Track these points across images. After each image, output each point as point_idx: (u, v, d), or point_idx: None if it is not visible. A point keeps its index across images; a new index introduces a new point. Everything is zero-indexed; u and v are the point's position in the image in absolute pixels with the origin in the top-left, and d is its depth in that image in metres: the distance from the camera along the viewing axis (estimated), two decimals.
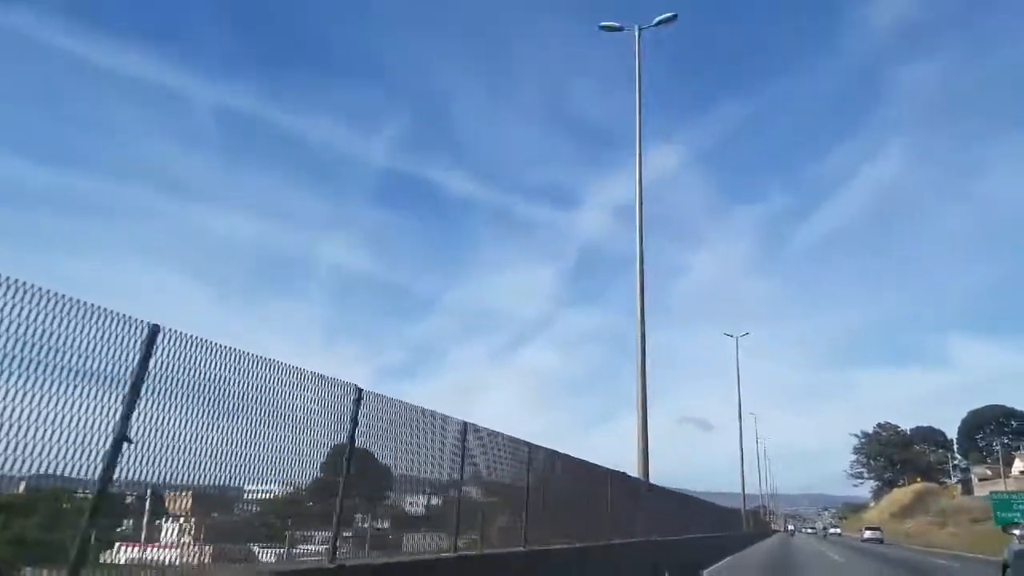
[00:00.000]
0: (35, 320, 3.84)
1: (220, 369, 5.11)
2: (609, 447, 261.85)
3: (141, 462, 4.41)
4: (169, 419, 4.61)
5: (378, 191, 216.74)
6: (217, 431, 5.01)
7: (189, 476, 4.85)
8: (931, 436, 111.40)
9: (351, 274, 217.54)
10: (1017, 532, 10.35)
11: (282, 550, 6.47)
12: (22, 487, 4.35)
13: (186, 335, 4.81)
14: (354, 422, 6.57)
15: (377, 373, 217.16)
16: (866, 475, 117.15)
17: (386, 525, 8.45)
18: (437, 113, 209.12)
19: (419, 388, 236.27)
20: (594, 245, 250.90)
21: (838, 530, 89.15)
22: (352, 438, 6.51)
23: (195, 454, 4.83)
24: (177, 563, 5.14)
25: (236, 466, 5.23)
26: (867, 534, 59.30)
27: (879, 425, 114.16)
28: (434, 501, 9.06)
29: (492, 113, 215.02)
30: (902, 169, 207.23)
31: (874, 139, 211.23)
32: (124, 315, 4.34)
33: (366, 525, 7.94)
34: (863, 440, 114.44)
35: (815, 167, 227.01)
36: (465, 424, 8.95)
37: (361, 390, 6.67)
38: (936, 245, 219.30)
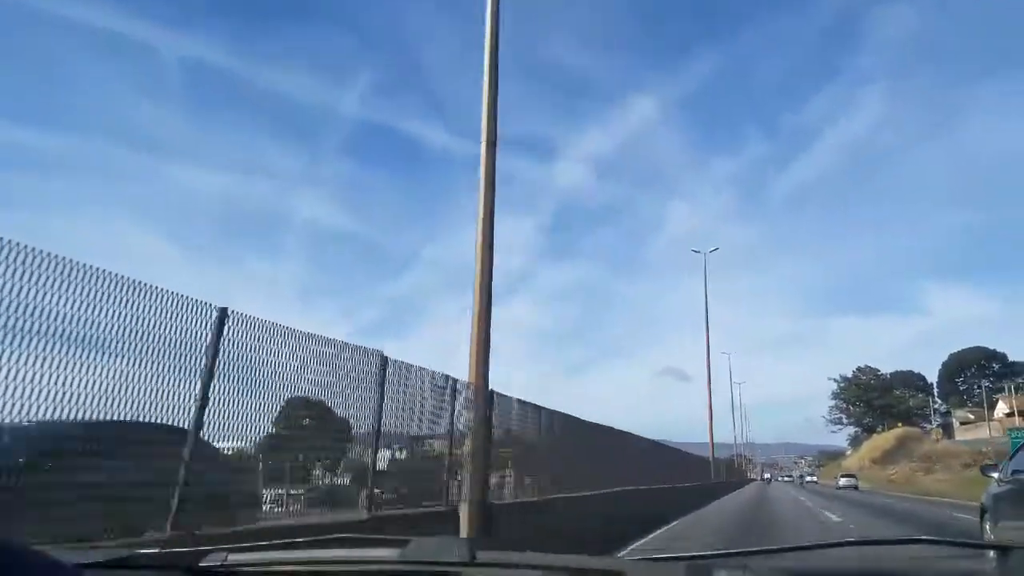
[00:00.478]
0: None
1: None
2: (594, 396, 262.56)
3: None
4: None
5: (352, 143, 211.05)
6: None
7: None
8: (911, 380, 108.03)
9: (327, 229, 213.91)
10: (995, 475, 10.05)
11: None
12: None
13: None
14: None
15: (358, 332, 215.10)
16: (845, 421, 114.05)
17: (347, 481, 8.44)
18: (411, 63, 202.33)
19: (401, 345, 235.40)
20: (572, 198, 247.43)
21: (814, 478, 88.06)
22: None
23: None
24: None
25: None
26: (842, 481, 57.78)
27: (858, 369, 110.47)
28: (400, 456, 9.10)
29: (467, 62, 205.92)
30: (880, 116, 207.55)
31: (852, 86, 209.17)
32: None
33: (326, 481, 8.19)
34: (842, 385, 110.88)
35: (792, 116, 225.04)
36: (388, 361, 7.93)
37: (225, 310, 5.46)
38: (913, 192, 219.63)
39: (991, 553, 1.64)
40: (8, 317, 3.82)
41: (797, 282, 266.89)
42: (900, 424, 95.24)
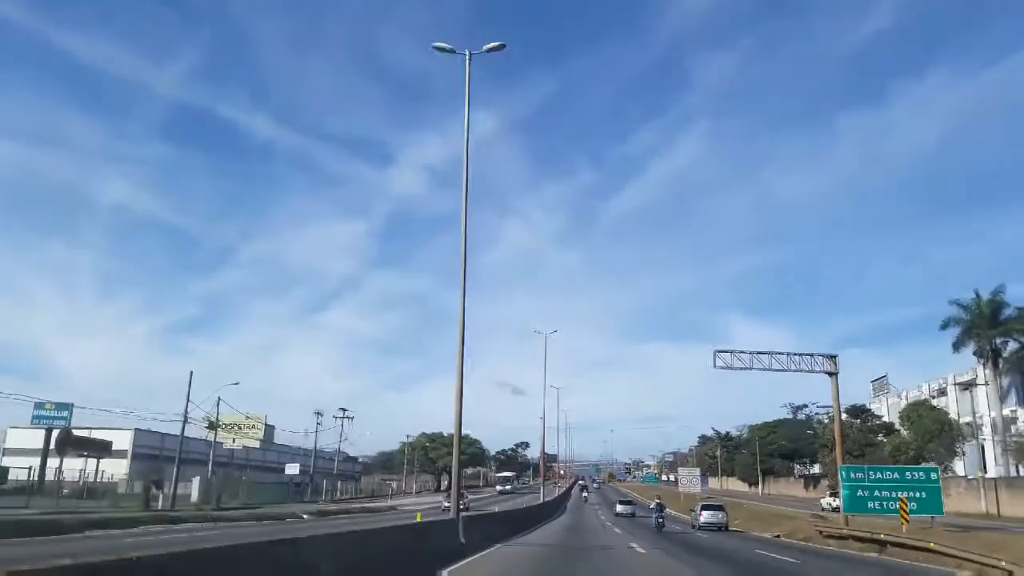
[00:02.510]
0: None
1: None
2: (420, 407, 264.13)
3: None
4: None
5: (167, 125, 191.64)
6: None
7: None
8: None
9: (133, 215, 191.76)
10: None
11: None
12: None
13: None
14: None
15: (162, 329, 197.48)
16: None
17: None
18: (236, 46, 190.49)
19: (212, 346, 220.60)
20: (405, 205, 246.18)
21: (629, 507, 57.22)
22: None
23: None
24: None
25: None
26: (704, 517, 39.14)
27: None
28: None
29: (297, 52, 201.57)
30: (699, 154, 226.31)
31: (676, 123, 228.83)
32: None
33: None
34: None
35: (619, 148, 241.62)
36: None
37: None
38: (721, 229, 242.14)
39: None
40: None
41: (619, 307, 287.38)
42: None
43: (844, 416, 77.07)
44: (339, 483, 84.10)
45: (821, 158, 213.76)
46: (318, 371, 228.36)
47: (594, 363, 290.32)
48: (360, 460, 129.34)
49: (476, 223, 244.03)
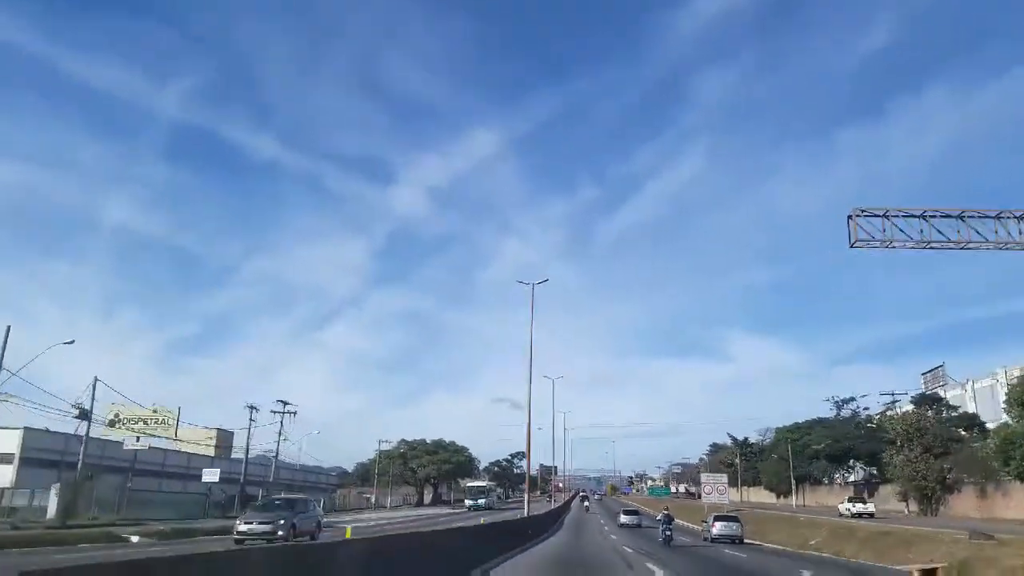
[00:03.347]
0: None
1: None
2: (420, 423, 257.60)
3: None
4: None
5: (171, 147, 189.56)
6: None
7: None
8: None
9: (136, 235, 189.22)
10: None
11: None
12: None
13: None
14: None
15: (165, 346, 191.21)
16: None
17: None
18: (240, 68, 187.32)
19: (214, 364, 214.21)
20: (407, 224, 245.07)
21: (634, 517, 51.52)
22: None
23: None
24: None
25: None
26: (718, 528, 35.20)
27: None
28: None
29: (301, 74, 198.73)
30: (699, 171, 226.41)
31: (675, 142, 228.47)
32: None
33: None
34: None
35: (620, 166, 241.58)
36: None
37: None
38: (724, 245, 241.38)
39: None
40: None
41: (621, 323, 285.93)
42: None
43: (911, 407, 63.63)
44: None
45: (822, 174, 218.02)
46: (317, 387, 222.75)
47: (595, 379, 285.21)
48: (334, 472, 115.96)
49: (477, 241, 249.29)
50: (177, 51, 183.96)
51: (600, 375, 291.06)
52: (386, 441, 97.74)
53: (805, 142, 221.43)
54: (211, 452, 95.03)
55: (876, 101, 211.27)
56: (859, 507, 47.53)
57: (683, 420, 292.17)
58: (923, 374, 78.68)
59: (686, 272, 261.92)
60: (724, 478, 60.38)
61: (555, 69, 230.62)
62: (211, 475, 51.22)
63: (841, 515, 46.50)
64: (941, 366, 74.64)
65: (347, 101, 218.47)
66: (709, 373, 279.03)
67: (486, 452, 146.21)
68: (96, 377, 39.48)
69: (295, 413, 62.35)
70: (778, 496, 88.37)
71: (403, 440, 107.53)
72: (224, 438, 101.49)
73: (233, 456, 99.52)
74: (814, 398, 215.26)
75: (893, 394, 68.68)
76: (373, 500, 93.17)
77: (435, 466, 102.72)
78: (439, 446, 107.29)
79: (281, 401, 62.07)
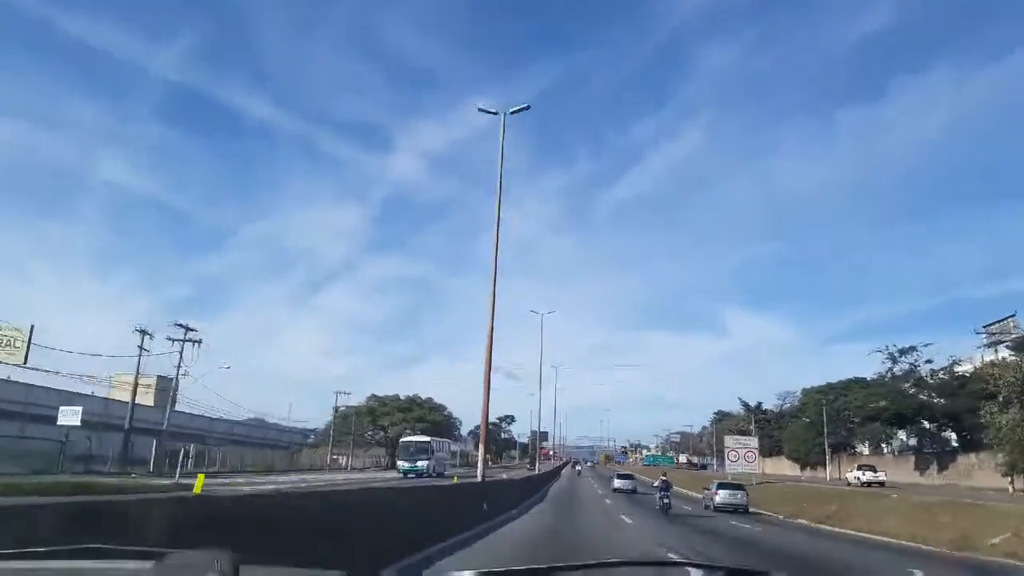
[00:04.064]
0: None
1: None
2: (413, 388, 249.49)
3: None
4: None
5: (166, 106, 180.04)
6: None
7: None
8: None
9: (130, 194, 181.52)
10: None
11: None
12: None
13: None
14: None
15: (160, 307, 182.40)
16: None
17: None
18: (235, 27, 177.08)
19: (209, 326, 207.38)
20: (404, 190, 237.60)
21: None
22: None
23: None
24: None
25: None
26: (721, 496, 33.15)
27: None
28: None
29: (297, 35, 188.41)
30: (699, 145, 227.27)
31: (675, 115, 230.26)
32: None
33: None
34: None
35: (620, 137, 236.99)
36: None
37: None
38: (723, 220, 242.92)
39: None
40: None
41: (616, 295, 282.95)
42: None
43: (1009, 355, 50.21)
44: (215, 451, 57.33)
45: (823, 150, 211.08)
46: (314, 353, 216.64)
47: (590, 349, 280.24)
48: (312, 430, 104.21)
49: (476, 208, 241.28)
50: (173, 9, 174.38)
51: (597, 347, 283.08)
52: (345, 393, 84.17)
53: (805, 118, 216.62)
54: (150, 401, 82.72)
55: (878, 78, 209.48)
56: (868, 475, 47.54)
57: (680, 394, 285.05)
58: (986, 326, 65.16)
59: (684, 246, 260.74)
60: (754, 442, 47.43)
61: (556, 37, 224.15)
62: (69, 417, 37.58)
63: (850, 484, 47.02)
64: (1012, 315, 61.35)
65: (344, 65, 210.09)
66: (706, 347, 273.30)
67: (471, 417, 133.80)
68: None
69: (199, 342, 48.56)
70: (803, 467, 75.78)
71: (373, 396, 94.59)
72: (165, 385, 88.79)
73: (178, 408, 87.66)
74: (810, 375, 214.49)
75: (986, 331, 54.92)
76: (344, 462, 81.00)
77: (407, 424, 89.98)
78: (412, 402, 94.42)
79: (180, 325, 48.12)
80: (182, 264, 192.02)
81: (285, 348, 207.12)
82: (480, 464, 26.88)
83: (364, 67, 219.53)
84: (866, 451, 66.70)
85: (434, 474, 51.63)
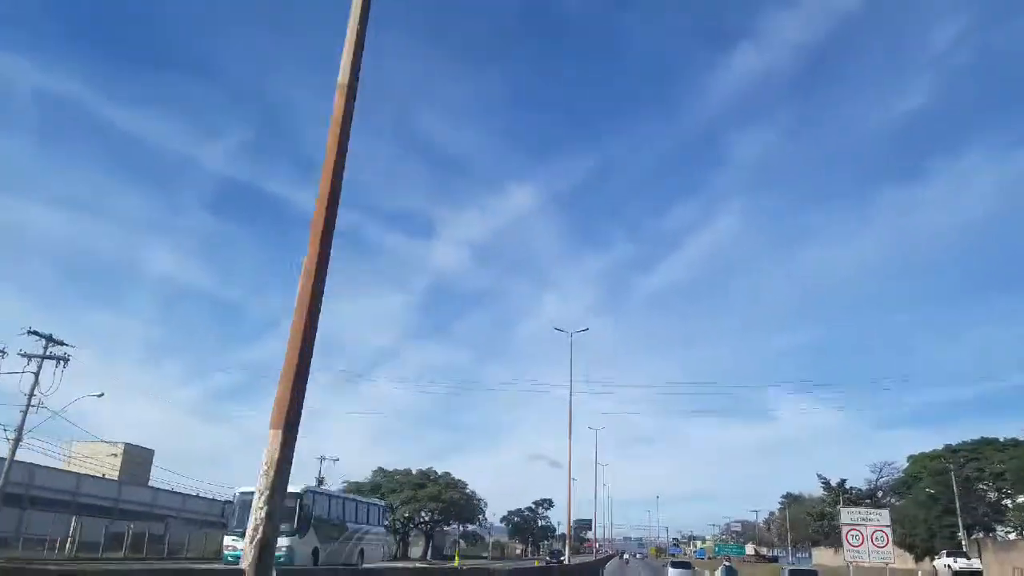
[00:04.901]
0: None
1: None
2: (464, 476, 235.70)
3: None
4: None
5: (215, 199, 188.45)
6: None
7: None
8: None
9: (180, 285, 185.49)
10: None
11: None
12: None
13: None
14: None
15: (207, 395, 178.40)
16: None
17: None
18: (281, 123, 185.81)
19: (255, 413, 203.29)
20: (446, 278, 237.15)
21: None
22: None
23: None
24: None
25: None
26: None
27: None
28: None
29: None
30: (736, 231, 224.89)
31: (711, 201, 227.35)
32: None
33: None
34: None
35: (655, 222, 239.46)
36: None
37: None
38: (761, 305, 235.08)
39: None
40: None
41: (659, 382, 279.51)
42: None
43: None
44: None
45: (860, 234, 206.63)
46: (354, 441, 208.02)
47: (633, 438, 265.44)
48: None
49: (514, 294, 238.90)
50: (222, 105, 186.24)
51: (639, 435, 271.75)
52: (333, 459, 70.37)
53: (841, 201, 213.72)
54: (115, 474, 70.55)
55: (915, 160, 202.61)
56: (961, 563, 42.65)
57: (728, 482, 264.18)
58: None
59: (723, 331, 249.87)
60: (884, 516, 32.53)
61: (589, 129, 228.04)
62: None
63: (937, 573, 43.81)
64: None
65: (382, 153, 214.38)
66: (749, 433, 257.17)
67: (504, 499, 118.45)
68: None
69: (65, 359, 35.46)
70: (917, 560, 58.70)
71: (380, 468, 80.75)
72: (138, 456, 76.72)
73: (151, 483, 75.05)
74: (859, 463, 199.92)
75: None
76: None
77: (418, 504, 75.44)
78: (426, 477, 79.97)
79: (35, 333, 34.52)
80: (229, 353, 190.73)
81: (327, 436, 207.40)
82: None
83: (404, 158, 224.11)
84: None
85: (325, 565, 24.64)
